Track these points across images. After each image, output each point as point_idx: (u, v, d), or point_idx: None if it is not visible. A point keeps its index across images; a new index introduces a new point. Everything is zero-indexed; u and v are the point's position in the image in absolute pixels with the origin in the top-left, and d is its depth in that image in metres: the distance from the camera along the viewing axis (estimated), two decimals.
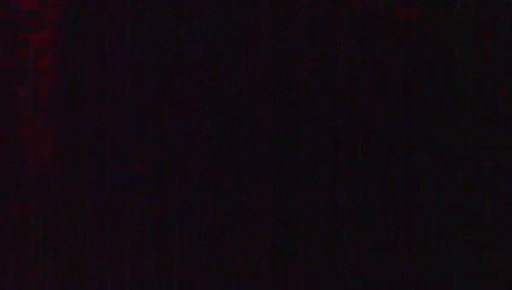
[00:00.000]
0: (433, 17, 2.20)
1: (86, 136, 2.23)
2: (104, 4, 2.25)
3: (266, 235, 2.19)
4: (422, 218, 2.16)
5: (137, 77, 2.24)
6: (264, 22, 2.22)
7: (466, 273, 2.14)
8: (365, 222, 2.17)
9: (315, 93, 2.21)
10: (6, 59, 2.26)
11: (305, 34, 2.22)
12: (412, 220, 2.16)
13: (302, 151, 2.20)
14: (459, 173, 2.16)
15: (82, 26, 2.25)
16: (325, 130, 2.20)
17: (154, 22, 2.24)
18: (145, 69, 2.24)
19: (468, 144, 2.17)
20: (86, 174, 2.23)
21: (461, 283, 2.14)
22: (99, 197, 2.22)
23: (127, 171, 2.22)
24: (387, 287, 2.15)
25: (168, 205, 2.21)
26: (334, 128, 2.20)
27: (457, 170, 2.16)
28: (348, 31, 2.21)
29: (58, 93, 2.25)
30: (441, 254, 2.15)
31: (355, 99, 2.20)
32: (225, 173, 2.21)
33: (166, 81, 2.24)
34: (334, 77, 2.21)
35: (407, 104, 2.19)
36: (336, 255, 2.17)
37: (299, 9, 2.22)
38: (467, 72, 2.18)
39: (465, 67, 2.18)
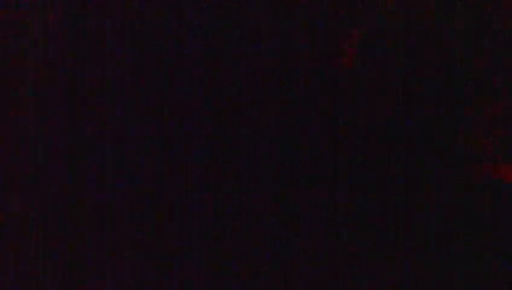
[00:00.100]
0: (433, 17, 2.20)
1: (86, 136, 2.23)
2: (104, 4, 2.25)
3: (266, 235, 2.19)
4: (422, 218, 2.16)
5: (137, 77, 2.24)
6: (264, 22, 2.22)
7: (466, 273, 2.14)
8: (365, 222, 2.17)
9: (315, 93, 2.21)
10: (6, 59, 2.26)
11: (305, 34, 2.22)
12: (412, 220, 2.16)
13: (302, 151, 2.20)
14: (459, 173, 2.16)
15: (82, 26, 2.25)
16: (325, 130, 2.20)
17: (154, 22, 2.24)
18: (145, 69, 2.24)
19: (468, 144, 2.17)
20: (86, 174, 2.23)
21: (461, 283, 2.14)
22: (99, 197, 2.22)
23: (127, 171, 2.22)
24: (387, 287, 2.15)
25: (168, 205, 2.21)
26: (334, 128, 2.20)
27: (457, 170, 2.16)
28: (348, 31, 2.21)
29: (58, 93, 2.25)
30: (441, 254, 2.15)
31: (355, 100, 2.20)
32: (225, 173, 2.21)
33: (166, 81, 2.24)
34: (334, 77, 2.21)
35: (407, 104, 2.19)
36: (336, 255, 2.17)
37: (299, 10, 2.21)
38: (467, 72, 2.18)
39: (465, 67, 2.18)
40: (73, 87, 2.25)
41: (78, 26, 2.26)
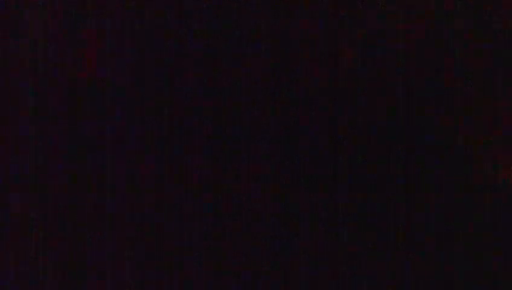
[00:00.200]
0: (433, 17, 2.20)
1: (85, 136, 2.23)
2: (104, 4, 2.25)
3: (266, 235, 2.19)
4: (422, 218, 2.16)
5: (137, 77, 2.24)
6: (264, 22, 2.22)
7: (466, 273, 2.14)
8: (365, 222, 2.17)
9: (315, 94, 2.21)
10: (6, 59, 2.26)
11: (305, 34, 2.22)
12: (412, 220, 2.16)
13: (302, 151, 2.20)
14: (459, 173, 2.16)
15: (82, 26, 2.25)
16: (325, 130, 2.20)
17: (154, 22, 2.24)
18: (145, 69, 2.24)
19: (468, 144, 2.17)
20: (85, 174, 2.23)
21: (461, 283, 2.14)
22: (99, 197, 2.22)
23: (127, 171, 2.22)
24: (387, 287, 2.15)
25: (168, 205, 2.21)
26: (334, 128, 2.20)
27: (457, 170, 2.16)
28: (349, 31, 2.21)
29: (58, 93, 2.25)
30: (441, 254, 2.15)
31: (355, 100, 2.20)
32: (225, 173, 2.21)
33: (166, 81, 2.24)
34: (334, 76, 2.21)
35: (407, 104, 2.19)
36: (336, 255, 2.17)
37: (299, 10, 2.21)
38: (467, 72, 2.18)
39: (465, 67, 2.18)
40: (73, 87, 2.25)
41: (78, 26, 2.26)
